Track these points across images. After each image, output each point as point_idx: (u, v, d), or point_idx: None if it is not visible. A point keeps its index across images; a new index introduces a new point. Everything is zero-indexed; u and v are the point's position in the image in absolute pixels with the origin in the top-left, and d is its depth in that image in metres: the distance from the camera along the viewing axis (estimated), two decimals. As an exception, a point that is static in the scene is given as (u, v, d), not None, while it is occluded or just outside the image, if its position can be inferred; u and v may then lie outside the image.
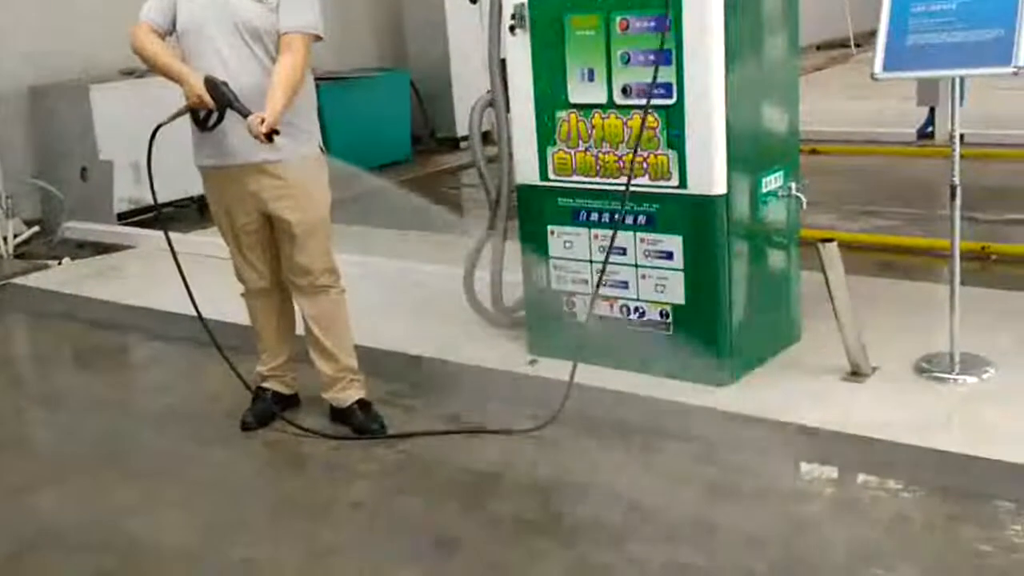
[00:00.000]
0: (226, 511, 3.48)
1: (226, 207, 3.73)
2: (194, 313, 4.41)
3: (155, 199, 3.75)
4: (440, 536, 3.20)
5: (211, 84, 3.44)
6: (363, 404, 3.89)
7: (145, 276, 5.74)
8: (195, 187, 6.93)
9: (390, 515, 3.36)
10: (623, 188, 3.70)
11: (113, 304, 5.39)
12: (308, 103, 3.67)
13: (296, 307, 3.89)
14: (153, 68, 3.60)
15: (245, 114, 3.41)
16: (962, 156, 3.60)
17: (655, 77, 3.57)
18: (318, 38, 3.60)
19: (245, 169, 3.61)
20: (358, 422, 3.84)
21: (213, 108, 3.47)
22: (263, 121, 3.36)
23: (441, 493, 3.43)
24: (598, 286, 3.80)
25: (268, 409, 3.96)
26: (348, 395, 3.87)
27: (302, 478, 3.72)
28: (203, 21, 3.54)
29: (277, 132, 3.40)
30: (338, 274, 3.82)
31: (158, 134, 3.53)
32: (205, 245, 5.33)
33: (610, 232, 3.79)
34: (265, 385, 3.99)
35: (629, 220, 3.80)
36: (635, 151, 3.67)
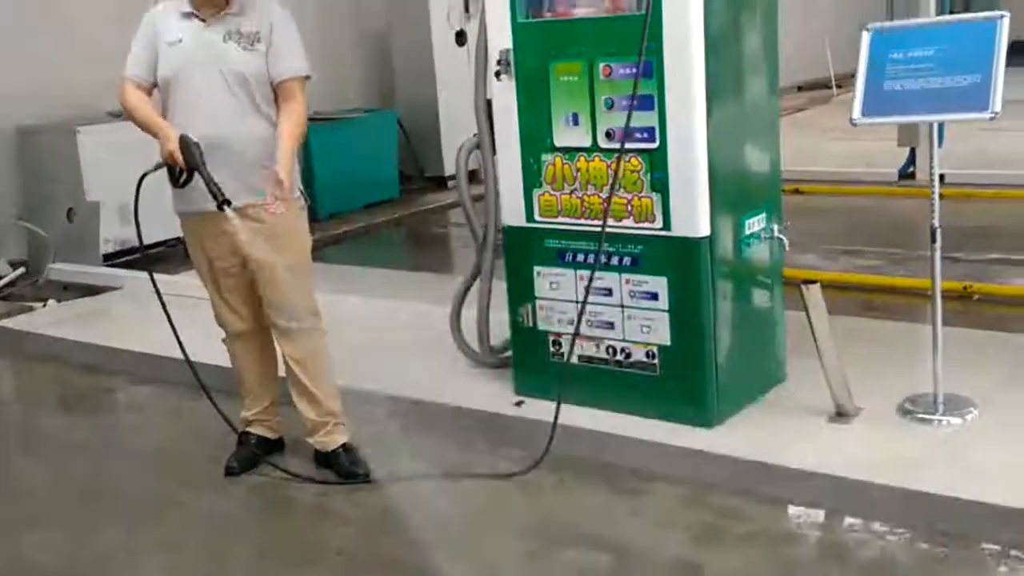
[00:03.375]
0: (210, 557, 3.46)
1: (206, 251, 3.74)
2: (180, 356, 4.41)
3: (141, 243, 3.76)
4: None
5: (184, 143, 3.46)
6: (348, 448, 3.87)
7: (131, 318, 5.73)
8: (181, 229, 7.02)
9: (375, 561, 3.34)
10: (612, 230, 3.72)
11: (98, 347, 5.37)
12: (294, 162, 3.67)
13: (278, 349, 3.89)
14: (136, 124, 3.63)
15: (207, 179, 3.42)
16: (943, 196, 3.64)
17: (628, 121, 3.60)
18: (308, 78, 3.64)
19: (224, 214, 3.63)
20: (343, 467, 3.82)
21: (183, 167, 3.48)
22: (279, 184, 3.42)
23: (426, 537, 3.40)
24: (578, 326, 3.81)
25: (253, 454, 3.94)
26: (333, 439, 3.85)
27: (286, 523, 3.69)
28: (188, 70, 3.55)
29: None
30: (320, 315, 3.82)
31: (146, 178, 3.54)
32: (193, 287, 5.32)
33: (597, 273, 3.81)
34: (250, 430, 3.98)
35: (615, 261, 3.82)
36: (610, 194, 3.69)
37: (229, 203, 3.43)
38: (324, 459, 3.88)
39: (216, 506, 3.78)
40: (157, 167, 3.57)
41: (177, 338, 3.82)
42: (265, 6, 3.64)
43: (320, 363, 3.83)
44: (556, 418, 3.69)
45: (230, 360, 3.97)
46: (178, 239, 6.99)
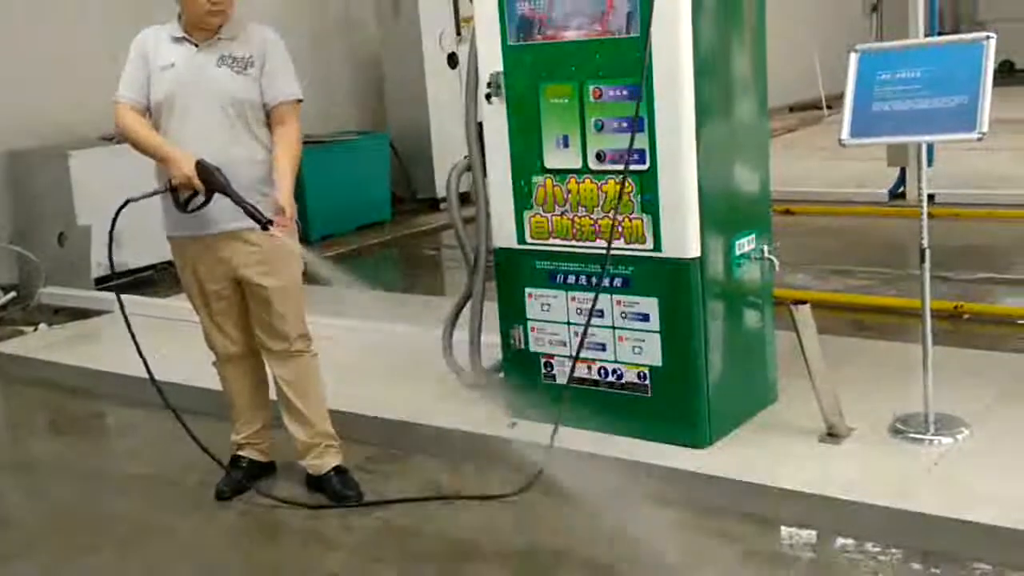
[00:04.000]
0: (200, 582, 3.44)
1: (197, 275, 3.72)
2: (171, 380, 4.41)
3: (112, 267, 3.82)
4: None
5: (203, 168, 3.44)
6: (340, 471, 3.85)
7: (122, 342, 5.58)
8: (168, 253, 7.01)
9: (367, 585, 3.33)
10: (602, 251, 3.72)
11: (89, 371, 5.35)
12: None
13: (269, 373, 3.88)
14: (139, 149, 3.59)
15: (239, 201, 3.41)
16: (934, 215, 3.67)
17: (631, 142, 3.62)
18: (300, 101, 3.65)
19: (219, 237, 3.62)
20: (334, 489, 3.80)
21: (201, 192, 3.47)
22: (281, 211, 3.42)
23: (418, 561, 3.40)
24: (579, 351, 3.81)
25: (243, 478, 3.92)
26: (325, 462, 3.84)
27: (277, 548, 3.66)
28: (181, 94, 3.55)
29: (271, 222, 3.43)
30: (311, 339, 3.82)
31: (128, 204, 3.55)
32: (183, 310, 5.31)
33: (587, 294, 3.83)
34: (241, 453, 3.96)
35: (606, 282, 3.83)
36: (614, 217, 3.70)
37: (272, 222, 3.41)
38: (315, 482, 3.86)
39: (206, 531, 3.75)
40: (151, 194, 3.55)
41: (143, 359, 3.80)
42: (257, 31, 3.65)
43: (311, 385, 3.82)
44: (552, 439, 3.67)
45: (221, 384, 3.96)
46: (169, 263, 7.08)
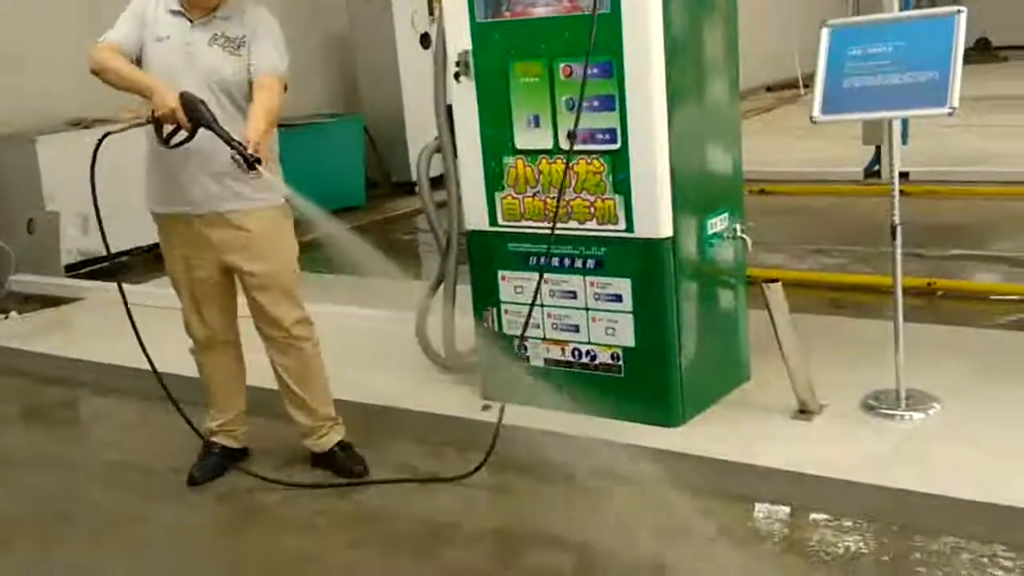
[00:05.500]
0: (176, 569, 3.42)
1: (184, 257, 3.65)
2: (143, 367, 4.34)
3: (99, 216, 3.54)
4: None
5: (187, 101, 3.32)
6: (343, 446, 3.86)
7: (94, 329, 5.67)
8: (146, 237, 6.93)
9: (343, 568, 3.31)
10: (576, 232, 3.72)
11: (61, 358, 5.30)
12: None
13: (246, 360, 3.84)
14: (118, 83, 3.44)
15: (224, 137, 3.28)
16: (908, 193, 3.68)
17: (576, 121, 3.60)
18: (285, 88, 3.57)
19: (207, 219, 3.56)
20: (340, 464, 3.81)
21: (185, 126, 3.35)
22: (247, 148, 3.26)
23: (394, 544, 3.40)
24: (525, 327, 3.81)
25: (216, 463, 3.89)
26: (328, 439, 3.84)
27: (253, 533, 3.65)
28: (172, 70, 3.45)
29: (260, 162, 3.27)
30: (311, 324, 3.77)
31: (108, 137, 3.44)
32: (155, 297, 5.27)
33: (561, 276, 3.82)
34: (214, 439, 3.93)
35: (579, 264, 3.82)
36: (558, 198, 3.69)
37: (260, 161, 3.28)
38: (321, 460, 3.86)
39: (182, 518, 3.73)
40: (133, 126, 3.45)
41: (144, 349, 3.73)
42: (253, 11, 3.58)
43: (312, 372, 3.79)
44: (500, 418, 3.67)
45: (197, 370, 3.91)
46: (142, 249, 7.03)
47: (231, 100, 3.51)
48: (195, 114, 3.32)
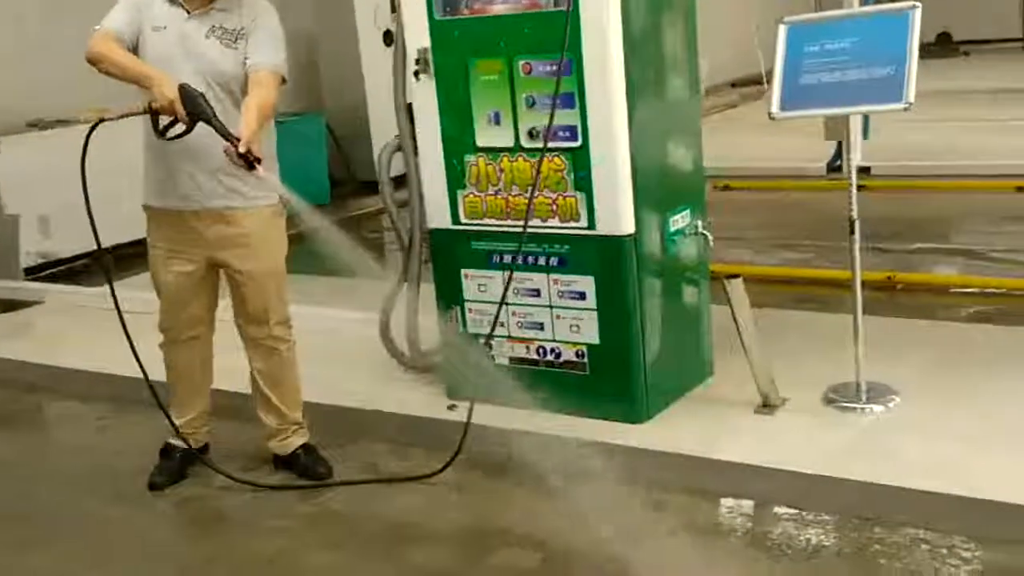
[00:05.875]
0: (141, 574, 3.38)
1: (173, 252, 3.60)
2: (103, 370, 4.31)
3: (88, 208, 3.45)
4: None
5: (186, 93, 3.27)
6: (307, 448, 3.84)
7: (55, 333, 5.60)
8: (106, 239, 6.86)
9: (306, 571, 3.29)
10: (538, 230, 3.72)
11: (20, 362, 5.22)
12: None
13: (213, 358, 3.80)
14: (117, 73, 3.38)
15: (222, 133, 3.25)
16: (870, 188, 3.71)
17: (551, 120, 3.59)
18: (283, 81, 3.54)
19: (201, 215, 3.52)
20: (304, 466, 3.79)
21: (183, 118, 3.30)
22: (238, 144, 3.22)
23: (358, 545, 3.38)
24: (493, 325, 3.80)
25: (177, 467, 3.85)
26: (291, 442, 3.83)
27: (216, 536, 3.62)
28: (168, 61, 3.40)
29: (259, 160, 3.25)
30: (291, 325, 3.76)
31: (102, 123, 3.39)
32: (121, 300, 5.21)
33: (525, 274, 3.82)
34: (173, 441, 3.88)
35: (542, 261, 3.82)
36: (531, 197, 3.68)
37: (259, 160, 3.25)
38: (284, 462, 3.85)
39: (145, 522, 3.70)
40: (128, 115, 3.39)
41: (133, 351, 3.64)
42: (253, 4, 3.54)
43: (287, 376, 3.78)
44: (469, 416, 3.66)
45: (166, 366, 3.83)
46: (106, 250, 6.94)
47: (228, 93, 3.46)
48: (194, 108, 3.28)
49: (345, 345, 4.74)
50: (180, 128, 3.34)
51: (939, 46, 17.54)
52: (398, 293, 4.41)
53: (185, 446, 3.87)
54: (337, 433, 4.09)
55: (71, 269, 6.80)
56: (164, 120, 3.36)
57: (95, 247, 6.74)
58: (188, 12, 3.47)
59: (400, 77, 4.05)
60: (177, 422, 3.85)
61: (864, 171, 7.81)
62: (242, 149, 3.21)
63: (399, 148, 4.18)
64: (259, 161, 3.26)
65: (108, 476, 4.06)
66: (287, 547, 3.44)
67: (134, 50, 3.43)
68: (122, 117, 3.43)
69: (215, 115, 3.29)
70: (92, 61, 3.38)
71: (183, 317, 3.70)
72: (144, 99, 3.39)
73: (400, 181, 4.32)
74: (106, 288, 5.82)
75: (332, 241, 3.53)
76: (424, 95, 3.89)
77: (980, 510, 3.07)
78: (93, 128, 3.35)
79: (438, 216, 4.02)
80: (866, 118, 7.56)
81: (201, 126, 3.30)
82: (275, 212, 3.63)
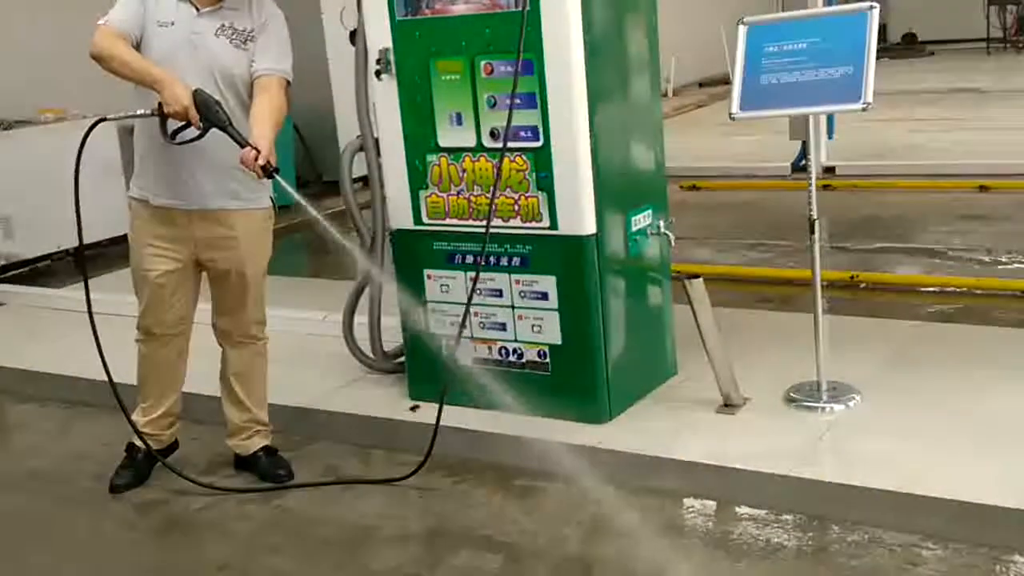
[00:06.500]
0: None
1: (159, 249, 3.54)
2: (63, 373, 4.23)
3: (78, 207, 3.42)
4: (314, 595, 3.12)
5: (201, 100, 3.25)
6: (268, 451, 3.81)
7: (14, 334, 5.52)
8: (69, 240, 6.78)
9: (265, 575, 3.26)
10: (501, 231, 3.71)
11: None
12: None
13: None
14: (124, 73, 3.32)
15: (240, 141, 3.23)
16: (833, 187, 3.72)
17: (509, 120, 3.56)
18: (288, 84, 3.52)
19: (194, 215, 3.49)
20: (264, 469, 3.76)
21: (197, 124, 3.27)
22: (257, 155, 3.21)
23: (315, 549, 3.35)
24: (461, 329, 3.77)
25: (139, 471, 3.80)
26: (253, 443, 3.80)
27: (171, 540, 3.57)
28: (175, 59, 3.36)
29: (277, 170, 3.25)
30: (265, 325, 3.76)
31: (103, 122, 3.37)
32: (81, 301, 5.15)
33: (487, 274, 3.80)
34: (137, 443, 3.81)
35: (504, 262, 3.81)
36: (492, 198, 3.67)
37: (278, 170, 3.25)
38: (244, 463, 3.82)
39: (101, 526, 3.65)
40: (135, 115, 3.37)
41: (101, 353, 3.57)
42: (262, 5, 3.50)
43: (256, 374, 3.78)
44: (438, 419, 3.63)
45: (139, 362, 3.75)
46: (65, 252, 6.89)
47: (234, 93, 3.43)
48: (209, 115, 3.26)
49: (307, 345, 4.71)
50: (192, 133, 3.32)
51: (904, 46, 17.69)
52: (361, 294, 4.39)
53: (145, 447, 3.80)
54: (295, 433, 4.06)
55: (34, 270, 6.72)
56: (173, 123, 3.33)
57: (56, 248, 6.74)
58: (198, 9, 3.43)
59: (362, 77, 4.03)
60: (144, 419, 3.77)
61: (829, 171, 7.88)
62: (262, 161, 3.22)
63: (361, 148, 4.16)
64: (277, 171, 3.27)
65: (64, 480, 4.00)
66: (241, 552, 3.39)
67: (137, 46, 3.38)
68: (127, 118, 3.42)
69: (231, 122, 3.28)
70: (97, 59, 3.32)
71: (165, 316, 3.63)
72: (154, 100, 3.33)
73: (365, 181, 4.30)
74: (67, 291, 5.86)
75: (343, 246, 3.60)
76: (386, 95, 3.87)
77: (940, 510, 3.08)
78: (92, 127, 3.34)
79: (400, 216, 4.00)
80: (831, 118, 7.63)
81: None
82: (266, 216, 3.63)
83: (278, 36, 3.52)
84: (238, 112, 3.42)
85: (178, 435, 3.91)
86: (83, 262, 3.72)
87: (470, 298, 3.75)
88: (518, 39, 3.49)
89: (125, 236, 7.16)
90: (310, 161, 9.11)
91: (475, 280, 3.74)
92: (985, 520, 3.02)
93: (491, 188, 3.67)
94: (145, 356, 3.74)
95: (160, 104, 3.30)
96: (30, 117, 6.88)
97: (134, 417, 3.79)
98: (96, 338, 3.54)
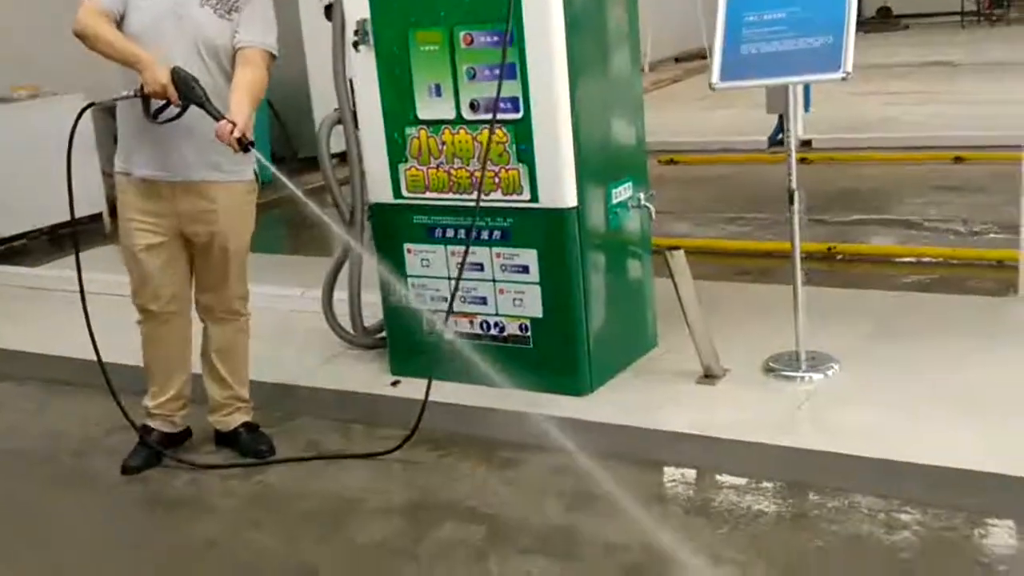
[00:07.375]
0: (82, 556, 3.33)
1: (147, 223, 3.51)
2: (37, 351, 4.19)
3: (70, 186, 3.43)
4: (297, 569, 3.11)
5: (178, 77, 3.25)
6: (249, 426, 3.80)
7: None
8: (45, 219, 6.72)
9: (245, 551, 3.26)
10: (481, 203, 3.68)
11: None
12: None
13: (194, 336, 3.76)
14: (105, 52, 3.32)
15: (216, 116, 3.24)
16: (810, 160, 3.72)
17: (499, 91, 3.56)
18: (273, 58, 3.49)
19: (177, 187, 3.46)
20: (245, 445, 3.76)
21: (176, 102, 3.28)
22: (232, 128, 3.21)
23: (299, 523, 3.35)
24: (451, 304, 3.77)
25: (151, 453, 3.74)
26: (233, 419, 3.79)
27: (154, 518, 3.56)
28: (159, 30, 3.33)
29: (252, 143, 3.26)
30: (248, 300, 3.74)
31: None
32: (60, 280, 5.11)
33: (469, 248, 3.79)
34: (149, 424, 3.76)
35: (485, 235, 3.80)
36: (483, 169, 3.66)
37: (252, 144, 3.26)
38: (225, 439, 3.80)
39: (84, 506, 3.63)
40: (120, 99, 3.38)
41: (90, 331, 3.58)
42: None
43: (238, 350, 3.76)
44: (427, 394, 3.63)
45: (143, 344, 3.73)
46: (40, 231, 6.82)
47: (218, 65, 3.41)
48: (187, 92, 3.27)
49: (287, 321, 4.70)
50: (172, 112, 3.33)
51: (880, 19, 17.74)
52: (340, 269, 4.38)
53: (160, 429, 3.76)
54: (277, 409, 4.05)
55: (10, 249, 6.64)
56: (155, 103, 3.34)
57: (31, 228, 6.65)
58: None
59: (339, 48, 3.99)
60: (153, 403, 3.75)
61: (805, 144, 7.90)
62: (237, 134, 3.22)
63: (339, 121, 4.13)
64: (252, 144, 3.27)
65: (44, 460, 3.98)
66: (226, 527, 3.39)
67: (122, 18, 3.36)
68: (113, 102, 3.43)
69: (208, 99, 3.28)
70: (81, 37, 3.33)
71: (159, 292, 3.60)
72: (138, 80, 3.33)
73: (342, 157, 4.28)
74: (42, 269, 5.81)
75: (321, 220, 3.62)
76: (364, 67, 3.84)
77: (918, 475, 3.12)
78: (83, 112, 3.36)
79: (379, 190, 3.98)
80: (807, 90, 7.64)
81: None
82: (248, 189, 3.61)
83: (264, 9, 3.49)
84: (221, 82, 3.40)
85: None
86: (76, 241, 3.70)
87: (460, 273, 3.74)
88: (498, 9, 3.47)
89: (101, 214, 7.14)
90: (286, 137, 9.04)
91: (465, 254, 3.73)
92: (963, 485, 3.06)
93: (477, 160, 3.66)
94: (147, 337, 3.71)
95: (142, 85, 3.30)
96: (3, 95, 6.79)
97: (144, 402, 3.77)
98: (86, 317, 3.53)
